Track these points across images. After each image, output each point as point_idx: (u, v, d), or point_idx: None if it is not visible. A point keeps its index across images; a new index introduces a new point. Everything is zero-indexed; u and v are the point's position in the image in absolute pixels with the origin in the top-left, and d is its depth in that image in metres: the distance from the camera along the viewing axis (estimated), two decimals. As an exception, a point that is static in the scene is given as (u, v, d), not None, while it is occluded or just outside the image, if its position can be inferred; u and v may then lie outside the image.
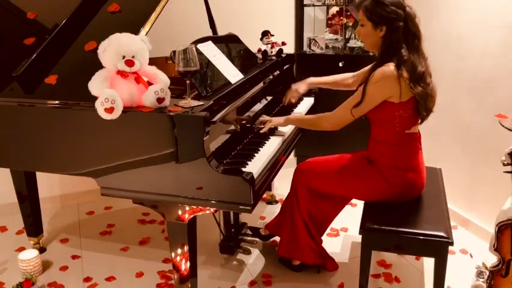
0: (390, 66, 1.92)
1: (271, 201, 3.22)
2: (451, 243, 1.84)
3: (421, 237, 1.87)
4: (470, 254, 2.55)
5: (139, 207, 3.11)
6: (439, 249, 1.86)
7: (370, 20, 1.99)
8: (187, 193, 1.76)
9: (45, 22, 2.15)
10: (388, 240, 1.92)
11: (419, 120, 2.03)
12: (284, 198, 2.47)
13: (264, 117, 2.31)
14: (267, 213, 3.05)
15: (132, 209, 3.13)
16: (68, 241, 2.78)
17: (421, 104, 1.93)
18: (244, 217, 2.78)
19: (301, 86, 2.58)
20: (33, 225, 2.62)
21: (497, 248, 2.02)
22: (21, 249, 2.59)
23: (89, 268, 2.50)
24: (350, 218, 2.86)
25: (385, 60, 1.96)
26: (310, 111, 2.71)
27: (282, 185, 3.23)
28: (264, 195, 3.27)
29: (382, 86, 1.94)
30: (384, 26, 1.96)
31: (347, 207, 2.79)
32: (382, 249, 1.98)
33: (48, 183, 3.11)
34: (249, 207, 1.72)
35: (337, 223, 2.80)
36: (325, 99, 2.81)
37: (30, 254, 2.39)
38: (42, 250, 2.65)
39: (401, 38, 1.93)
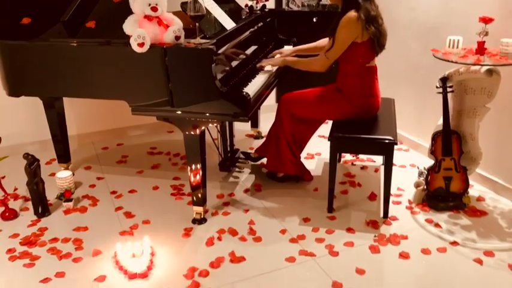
0: (351, 12, 2.50)
1: (258, 136, 3.83)
2: (396, 143, 2.48)
3: (375, 140, 2.50)
4: (417, 166, 3.21)
5: (147, 142, 3.73)
6: (387, 148, 2.50)
7: None
8: (199, 110, 2.34)
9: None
10: (350, 144, 2.56)
11: (375, 55, 2.64)
12: (267, 133, 3.07)
13: (265, 60, 2.86)
14: (255, 145, 3.64)
15: (141, 144, 3.71)
16: (90, 168, 3.35)
17: (375, 41, 2.54)
18: (237, 145, 3.39)
19: (286, 51, 3.08)
20: (63, 154, 3.18)
21: (432, 152, 2.69)
22: (53, 175, 3.12)
23: (112, 185, 3.08)
24: (321, 146, 3.48)
25: (346, 10, 2.54)
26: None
27: (265, 124, 3.82)
28: (252, 132, 3.88)
29: (349, 29, 2.51)
30: None
31: (319, 139, 3.43)
32: (346, 151, 2.61)
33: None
34: (246, 118, 2.32)
35: (312, 150, 3.44)
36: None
37: (66, 173, 2.93)
38: (70, 175, 3.21)
39: None
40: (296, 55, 3.01)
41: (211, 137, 3.09)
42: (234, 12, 3.06)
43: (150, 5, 2.24)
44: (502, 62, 2.34)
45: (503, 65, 2.35)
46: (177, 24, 2.31)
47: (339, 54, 2.60)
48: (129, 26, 2.24)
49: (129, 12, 2.28)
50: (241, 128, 3.83)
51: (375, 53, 2.63)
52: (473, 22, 2.50)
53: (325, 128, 2.96)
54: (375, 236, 2.48)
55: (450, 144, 2.61)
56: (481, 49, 2.46)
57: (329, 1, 2.73)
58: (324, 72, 2.68)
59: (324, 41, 3.03)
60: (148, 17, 2.27)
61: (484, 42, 2.46)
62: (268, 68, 2.88)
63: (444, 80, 2.58)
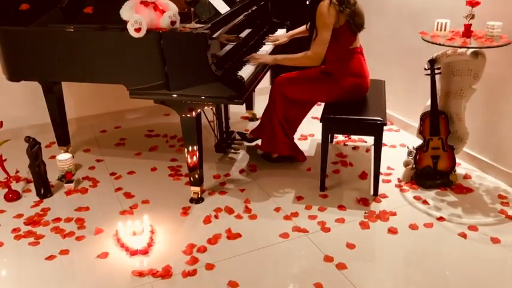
0: (323, 2, 2.58)
1: (253, 118, 3.92)
2: (385, 124, 2.57)
3: (365, 121, 2.59)
4: (407, 146, 3.32)
5: (145, 125, 3.80)
6: (376, 129, 2.59)
7: None
8: (195, 93, 2.41)
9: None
10: (341, 125, 2.65)
11: (356, 35, 2.71)
12: (261, 115, 3.14)
13: (255, 55, 2.83)
14: (250, 127, 3.73)
15: (139, 127, 3.79)
16: (90, 150, 3.43)
17: (352, 22, 2.62)
18: (233, 127, 3.48)
19: (282, 37, 3.17)
20: (62, 137, 3.25)
21: (421, 132, 2.79)
22: (53, 157, 3.20)
23: (112, 167, 3.17)
24: (314, 127, 3.56)
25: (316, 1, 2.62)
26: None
27: (260, 106, 3.89)
28: (247, 114, 3.96)
29: (325, 16, 2.58)
30: None
31: (313, 120, 3.52)
32: (337, 132, 2.71)
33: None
34: (241, 100, 2.40)
35: (305, 131, 3.53)
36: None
37: (66, 156, 3.01)
38: (70, 157, 3.29)
39: None
40: (290, 40, 3.08)
41: (207, 119, 3.18)
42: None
43: (146, -10, 2.30)
44: (487, 44, 2.43)
45: (488, 47, 2.43)
46: (172, 10, 2.37)
47: (326, 42, 2.63)
48: (126, 12, 2.30)
49: (126, -3, 2.34)
50: (237, 110, 3.89)
51: (354, 34, 2.71)
52: (461, 5, 2.57)
53: (318, 109, 3.03)
54: (365, 213, 2.59)
55: (438, 125, 2.70)
56: (467, 32, 2.54)
57: None
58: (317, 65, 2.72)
59: None
60: (144, 3, 2.33)
61: (471, 25, 2.53)
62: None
63: (432, 62, 2.66)
